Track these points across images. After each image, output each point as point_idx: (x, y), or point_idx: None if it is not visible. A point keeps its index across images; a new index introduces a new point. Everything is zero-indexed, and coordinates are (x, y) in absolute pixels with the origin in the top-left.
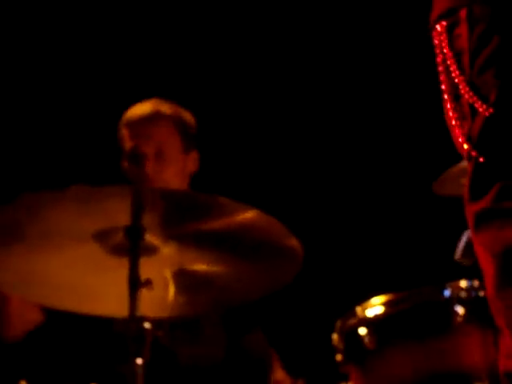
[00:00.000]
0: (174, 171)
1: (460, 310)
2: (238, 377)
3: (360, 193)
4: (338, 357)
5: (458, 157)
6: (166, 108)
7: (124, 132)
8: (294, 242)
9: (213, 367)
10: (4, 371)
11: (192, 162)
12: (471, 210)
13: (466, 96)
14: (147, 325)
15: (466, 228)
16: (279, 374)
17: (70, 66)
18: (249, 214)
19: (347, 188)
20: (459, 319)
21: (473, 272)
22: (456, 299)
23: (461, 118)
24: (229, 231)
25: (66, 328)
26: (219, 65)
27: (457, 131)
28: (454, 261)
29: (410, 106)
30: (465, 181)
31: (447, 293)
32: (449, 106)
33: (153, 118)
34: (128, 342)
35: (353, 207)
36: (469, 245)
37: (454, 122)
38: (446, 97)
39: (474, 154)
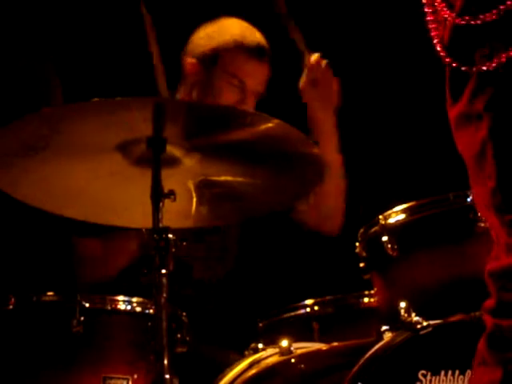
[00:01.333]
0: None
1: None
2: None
3: (383, 102)
4: (361, 264)
5: None
6: (267, 43)
7: (234, 54)
8: (315, 151)
9: (222, 280)
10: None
11: None
12: (451, 114)
13: (436, 1)
14: (171, 235)
15: None
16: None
17: None
18: (270, 124)
19: (370, 96)
20: (482, 225)
21: None
22: None
23: (437, 22)
24: (250, 142)
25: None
26: None
27: (433, 34)
28: None
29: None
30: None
31: (470, 199)
32: (427, 9)
33: (264, 54)
34: (152, 252)
35: (375, 116)
36: None
37: (430, 26)
38: (424, 1)
39: (448, 60)
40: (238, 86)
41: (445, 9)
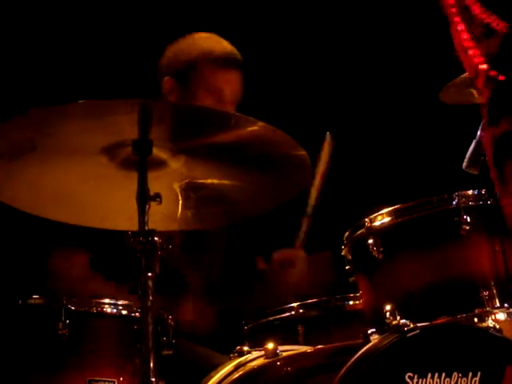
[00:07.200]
0: None
1: (468, 218)
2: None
3: (369, 106)
4: (347, 267)
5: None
6: (236, 52)
7: (210, 66)
8: (302, 154)
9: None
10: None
11: None
12: (492, 133)
13: (482, 16)
14: (157, 238)
15: (473, 137)
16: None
17: None
18: (256, 127)
19: (356, 100)
20: (467, 228)
21: (480, 181)
22: (464, 208)
23: (475, 39)
24: (236, 144)
25: (77, 243)
26: None
27: (471, 52)
28: (462, 170)
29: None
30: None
31: (455, 202)
32: (461, 28)
33: (232, 62)
34: (138, 255)
35: (361, 120)
36: (476, 154)
37: (468, 44)
38: (456, 19)
39: (493, 73)
40: (215, 94)
41: (495, 20)
